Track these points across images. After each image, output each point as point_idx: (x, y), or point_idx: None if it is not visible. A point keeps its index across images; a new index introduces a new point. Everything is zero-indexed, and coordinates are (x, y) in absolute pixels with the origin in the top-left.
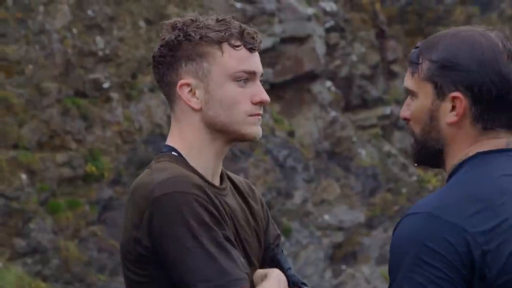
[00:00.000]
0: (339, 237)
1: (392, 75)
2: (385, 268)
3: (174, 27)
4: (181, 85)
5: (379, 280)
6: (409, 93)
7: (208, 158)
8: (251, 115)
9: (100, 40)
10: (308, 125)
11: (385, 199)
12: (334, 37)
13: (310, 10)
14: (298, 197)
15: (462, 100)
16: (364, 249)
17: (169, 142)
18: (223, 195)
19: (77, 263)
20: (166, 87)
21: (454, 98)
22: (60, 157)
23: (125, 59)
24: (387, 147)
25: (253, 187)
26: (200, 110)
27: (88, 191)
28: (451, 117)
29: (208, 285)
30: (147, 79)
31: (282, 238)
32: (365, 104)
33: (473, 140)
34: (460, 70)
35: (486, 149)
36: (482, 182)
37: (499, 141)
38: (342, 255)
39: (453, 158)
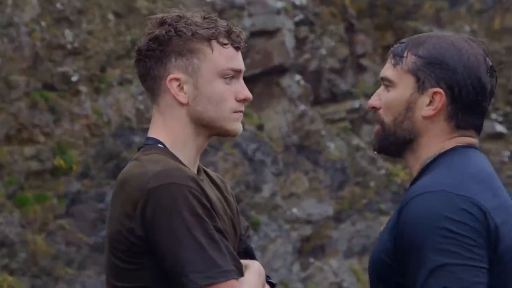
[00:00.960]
0: (307, 230)
1: (361, 69)
2: (353, 261)
3: (162, 22)
4: (171, 80)
5: (347, 273)
6: (386, 83)
7: (191, 152)
8: (235, 112)
9: (68, 33)
10: (277, 118)
11: (353, 192)
12: (303, 30)
13: (279, 4)
14: (266, 190)
15: (442, 96)
16: (332, 242)
17: (153, 134)
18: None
19: (45, 257)
20: (152, 80)
21: (434, 93)
22: (28, 150)
23: (94, 52)
24: (355, 141)
25: (224, 180)
26: (187, 104)
27: (56, 184)
28: (427, 111)
29: (199, 276)
30: (116, 72)
31: (251, 232)
32: (334, 97)
33: (447, 135)
34: (446, 69)
35: (463, 144)
36: (476, 167)
37: (471, 139)
38: (310, 248)
39: (428, 149)
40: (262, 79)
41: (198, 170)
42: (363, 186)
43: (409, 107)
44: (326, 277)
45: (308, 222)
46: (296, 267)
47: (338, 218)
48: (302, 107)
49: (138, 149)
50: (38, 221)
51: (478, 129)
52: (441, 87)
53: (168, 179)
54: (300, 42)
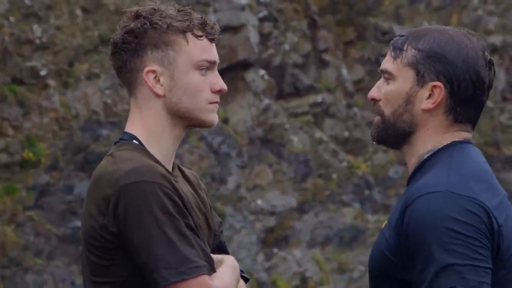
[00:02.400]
0: (271, 221)
1: (323, 64)
2: (315, 251)
3: (137, 15)
4: (147, 72)
5: (310, 263)
6: (386, 75)
7: (168, 143)
8: (211, 103)
9: (37, 28)
10: (242, 112)
11: (316, 184)
12: (267, 26)
13: (244, 0)
14: (232, 182)
15: (441, 89)
16: (295, 233)
17: (129, 129)
18: (177, 182)
19: (14, 247)
20: (129, 73)
21: (434, 86)
22: None
23: (62, 47)
24: (318, 134)
25: (197, 176)
26: (164, 96)
27: (25, 176)
28: (427, 104)
29: (171, 272)
30: (83, 67)
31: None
32: (297, 92)
33: (445, 129)
34: (446, 63)
35: (459, 139)
36: (474, 165)
37: (467, 134)
38: (274, 239)
39: (425, 143)
40: (227, 74)
41: (173, 166)
42: (325, 178)
43: (409, 100)
44: (290, 266)
45: (272, 213)
46: (260, 257)
47: (301, 209)
48: (266, 101)
49: (114, 143)
50: (7, 213)
51: (474, 123)
52: (440, 81)
53: (139, 177)
54: (264, 37)
